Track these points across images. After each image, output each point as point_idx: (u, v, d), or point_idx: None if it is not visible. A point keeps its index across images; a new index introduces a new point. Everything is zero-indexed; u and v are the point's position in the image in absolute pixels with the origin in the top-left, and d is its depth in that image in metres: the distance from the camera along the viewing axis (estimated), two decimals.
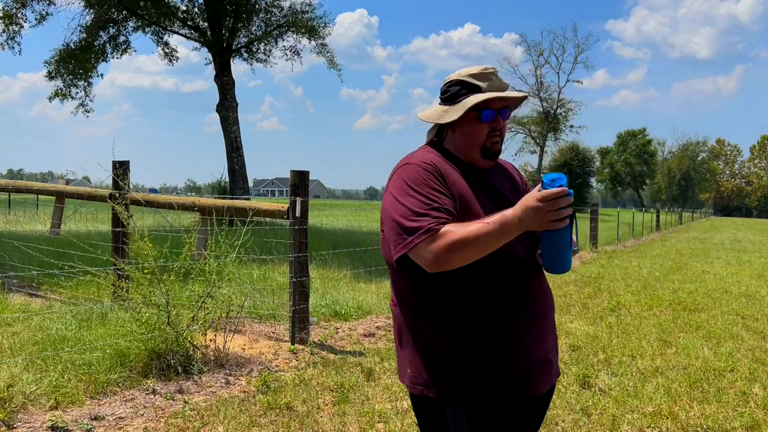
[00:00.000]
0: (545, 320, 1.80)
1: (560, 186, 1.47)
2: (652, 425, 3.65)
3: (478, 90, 1.76)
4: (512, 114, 1.93)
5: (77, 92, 19.78)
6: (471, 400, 1.68)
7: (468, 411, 1.69)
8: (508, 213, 1.54)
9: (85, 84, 19.79)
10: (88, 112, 20.42)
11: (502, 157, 1.90)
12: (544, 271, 1.77)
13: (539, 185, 1.52)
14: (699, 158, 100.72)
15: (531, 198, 1.50)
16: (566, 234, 1.54)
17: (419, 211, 1.62)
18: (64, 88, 19.46)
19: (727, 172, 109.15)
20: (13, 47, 18.44)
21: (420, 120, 1.88)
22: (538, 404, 1.80)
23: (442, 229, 1.58)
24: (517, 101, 1.83)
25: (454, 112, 1.76)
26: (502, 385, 1.68)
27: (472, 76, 1.78)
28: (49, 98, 19.66)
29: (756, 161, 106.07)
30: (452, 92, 1.80)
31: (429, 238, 1.58)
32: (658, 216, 30.71)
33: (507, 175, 1.91)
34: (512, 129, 62.37)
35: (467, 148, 1.79)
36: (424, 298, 1.72)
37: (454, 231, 1.57)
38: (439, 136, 1.86)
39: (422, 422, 1.83)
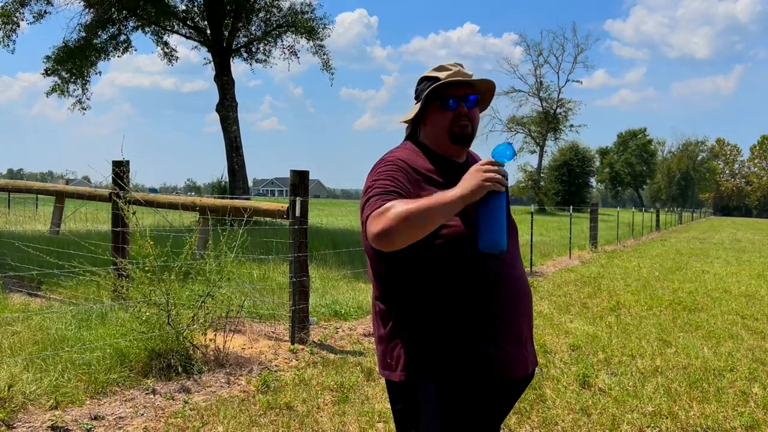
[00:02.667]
0: (522, 307, 1.82)
1: (504, 155, 1.62)
2: (652, 425, 3.66)
3: (437, 80, 1.86)
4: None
5: (75, 89, 19.82)
6: (443, 381, 1.72)
7: (439, 392, 1.73)
8: (448, 191, 1.63)
9: (83, 82, 19.79)
10: (85, 109, 20.42)
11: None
12: (504, 260, 1.80)
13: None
14: (699, 158, 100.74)
15: (473, 168, 1.65)
16: (501, 204, 1.60)
17: (379, 194, 1.70)
18: (61, 84, 19.47)
19: (727, 171, 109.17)
20: (8, 45, 18.45)
21: (402, 123, 2.01)
22: (511, 389, 1.82)
23: (392, 201, 1.65)
24: (485, 86, 1.91)
25: (417, 107, 1.89)
26: (475, 365, 1.71)
27: (433, 69, 1.91)
28: (47, 93, 19.70)
29: (756, 161, 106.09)
30: (419, 89, 1.93)
31: (376, 213, 1.64)
32: (657, 216, 30.73)
33: None
34: (512, 129, 62.47)
35: (437, 137, 1.88)
36: (399, 281, 1.78)
37: (397, 205, 1.63)
38: (415, 132, 1.96)
39: (398, 411, 1.85)
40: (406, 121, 1.98)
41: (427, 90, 1.85)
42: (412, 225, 1.59)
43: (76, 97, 19.92)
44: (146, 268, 4.38)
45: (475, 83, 1.89)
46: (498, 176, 1.60)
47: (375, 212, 1.63)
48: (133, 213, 4.84)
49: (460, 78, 1.86)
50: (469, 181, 1.61)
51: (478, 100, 1.89)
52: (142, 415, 3.59)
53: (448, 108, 1.84)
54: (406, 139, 1.98)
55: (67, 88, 19.56)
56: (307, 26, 19.98)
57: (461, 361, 1.71)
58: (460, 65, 1.91)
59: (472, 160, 1.98)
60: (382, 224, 1.60)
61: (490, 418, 1.81)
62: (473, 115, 1.87)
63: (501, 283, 1.77)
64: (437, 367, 1.72)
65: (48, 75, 19.16)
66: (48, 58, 18.99)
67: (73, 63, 18.99)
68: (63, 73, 19.22)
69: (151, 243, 4.41)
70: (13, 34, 18.37)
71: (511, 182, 1.93)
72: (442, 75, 1.86)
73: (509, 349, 1.76)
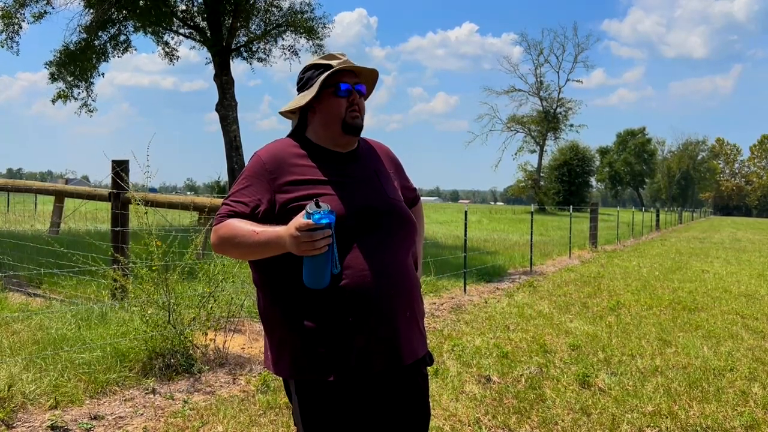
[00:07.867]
0: (392, 299, 1.78)
1: (317, 222, 1.58)
2: (652, 425, 3.65)
3: (329, 68, 1.84)
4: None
5: (79, 92, 19.76)
6: (304, 378, 1.77)
7: (302, 390, 1.77)
8: (278, 230, 1.65)
9: (87, 84, 19.76)
10: (92, 111, 20.36)
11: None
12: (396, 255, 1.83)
13: (303, 212, 1.61)
14: (699, 157, 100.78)
15: (292, 224, 1.61)
16: (321, 259, 1.65)
17: (229, 199, 1.81)
18: (66, 90, 19.42)
19: (727, 171, 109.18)
20: (11, 47, 18.42)
21: (282, 116, 1.96)
22: (379, 382, 1.80)
23: (228, 220, 1.75)
24: (370, 76, 1.92)
25: (311, 92, 1.83)
26: (332, 363, 1.73)
27: (322, 58, 1.89)
28: (52, 100, 19.59)
29: (756, 160, 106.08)
30: (306, 77, 1.88)
31: (216, 224, 1.78)
32: (657, 215, 30.76)
33: (372, 161, 1.95)
34: (512, 128, 62.43)
35: (328, 126, 1.85)
36: (265, 279, 1.82)
37: (228, 225, 1.74)
38: (303, 126, 1.91)
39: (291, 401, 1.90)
40: (291, 112, 1.91)
41: (323, 76, 1.81)
42: (233, 251, 1.76)
43: (82, 100, 19.89)
44: (150, 260, 4.37)
45: (361, 73, 1.89)
46: (314, 244, 1.59)
47: (214, 226, 1.79)
48: (145, 213, 4.75)
49: (353, 65, 1.86)
50: (289, 242, 1.62)
51: (365, 89, 1.91)
52: (142, 414, 3.58)
53: (342, 94, 1.83)
54: (288, 135, 1.94)
55: (72, 92, 19.50)
56: (307, 26, 19.95)
57: (310, 360, 1.74)
58: (344, 54, 1.91)
59: (368, 146, 1.98)
60: (213, 240, 1.77)
61: (355, 415, 1.79)
62: (362, 105, 1.88)
63: (374, 278, 1.74)
64: (290, 366, 1.78)
65: (54, 80, 19.10)
66: (50, 63, 18.95)
67: (76, 65, 18.93)
68: (67, 77, 19.16)
69: (158, 243, 4.40)
70: (16, 36, 18.35)
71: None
72: (333, 63, 1.84)
73: (376, 343, 1.75)
